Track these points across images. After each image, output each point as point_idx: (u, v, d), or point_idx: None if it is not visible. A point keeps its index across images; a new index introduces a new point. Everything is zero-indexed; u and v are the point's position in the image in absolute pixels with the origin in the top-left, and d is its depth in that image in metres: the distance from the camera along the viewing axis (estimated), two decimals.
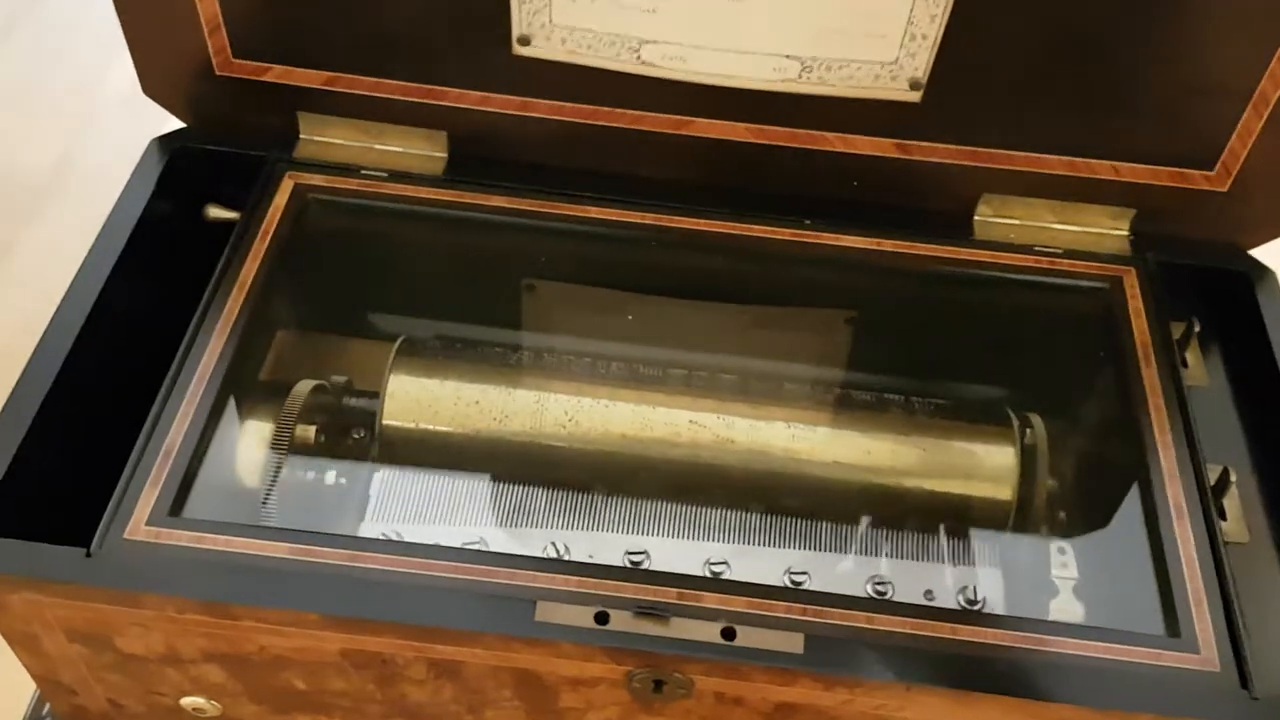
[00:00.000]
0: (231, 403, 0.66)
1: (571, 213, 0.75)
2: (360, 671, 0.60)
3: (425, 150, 0.77)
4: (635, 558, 0.68)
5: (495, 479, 0.73)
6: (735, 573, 0.68)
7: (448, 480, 0.72)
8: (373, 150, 0.77)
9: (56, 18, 1.49)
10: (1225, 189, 0.74)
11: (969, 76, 0.70)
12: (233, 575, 0.58)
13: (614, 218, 0.75)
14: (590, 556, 0.69)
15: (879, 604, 0.62)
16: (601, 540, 0.70)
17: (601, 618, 0.57)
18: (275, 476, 0.69)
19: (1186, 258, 0.76)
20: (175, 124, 0.79)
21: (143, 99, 0.78)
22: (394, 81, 0.75)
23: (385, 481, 0.72)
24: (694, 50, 0.69)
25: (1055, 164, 0.74)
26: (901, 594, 0.68)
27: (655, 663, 0.57)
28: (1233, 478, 0.66)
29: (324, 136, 0.78)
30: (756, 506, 0.72)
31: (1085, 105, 0.71)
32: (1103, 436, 0.72)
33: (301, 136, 0.78)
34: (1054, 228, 0.77)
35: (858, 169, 0.75)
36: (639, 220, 0.75)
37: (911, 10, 0.67)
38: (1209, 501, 0.63)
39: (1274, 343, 0.71)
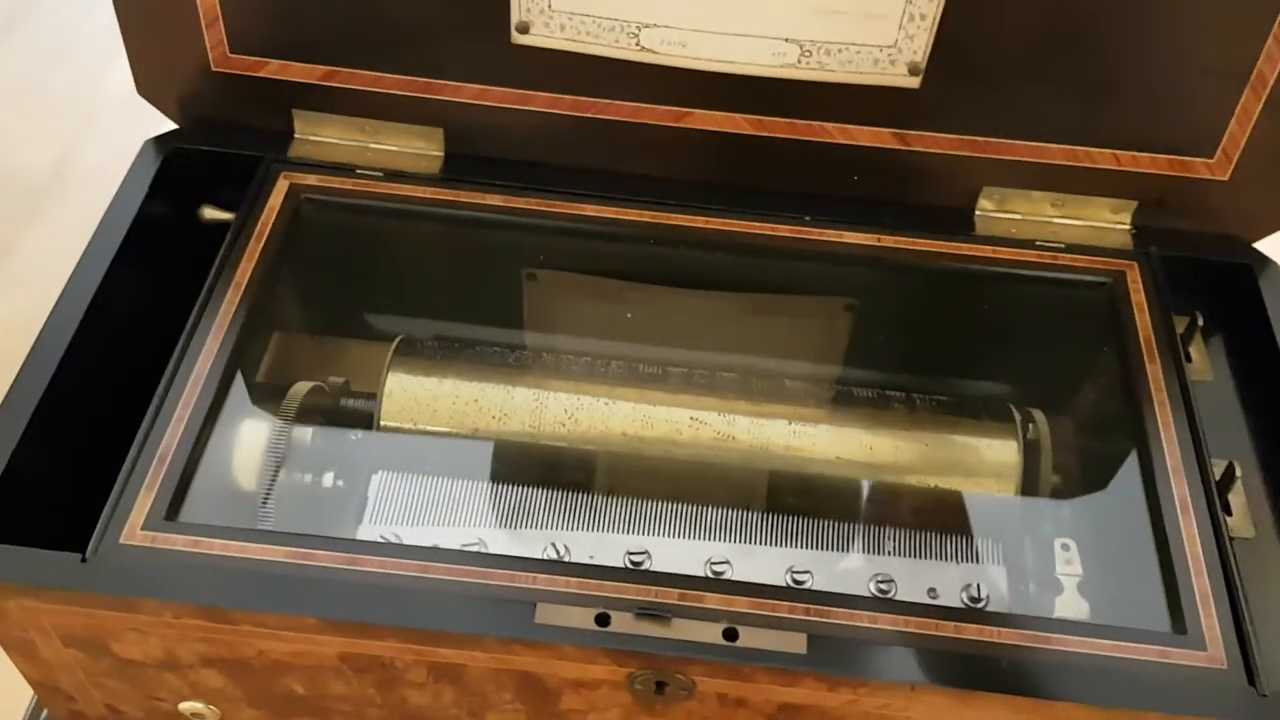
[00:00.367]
0: (228, 405, 0.66)
1: (569, 211, 0.75)
2: (360, 675, 0.60)
3: (421, 148, 0.77)
4: (636, 558, 0.67)
5: (494, 479, 0.72)
6: (737, 572, 0.67)
7: (446, 481, 0.72)
8: (368, 149, 0.77)
9: (55, 18, 1.49)
10: (1226, 177, 0.73)
11: (967, 61, 0.70)
12: (230, 579, 0.57)
13: (612, 215, 0.75)
14: (591, 557, 0.68)
15: (882, 603, 0.61)
16: (602, 541, 0.70)
17: (603, 619, 0.56)
18: (272, 479, 0.69)
19: (1189, 251, 0.75)
20: (173, 125, 0.79)
21: (142, 100, 0.77)
22: (391, 75, 0.74)
23: (383, 483, 0.72)
24: (693, 34, 0.69)
25: (1055, 153, 0.74)
26: (905, 592, 0.67)
27: (657, 664, 0.56)
28: (1238, 472, 0.66)
29: (319, 135, 0.77)
30: (758, 505, 0.72)
31: (1083, 90, 0.71)
32: (1106, 432, 0.72)
33: (297, 136, 0.77)
34: (1056, 222, 0.76)
35: (857, 161, 0.74)
36: (637, 218, 0.75)
37: None
38: (1214, 497, 0.63)
39: (1278, 336, 0.71)
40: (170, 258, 0.73)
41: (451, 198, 0.75)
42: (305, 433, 0.71)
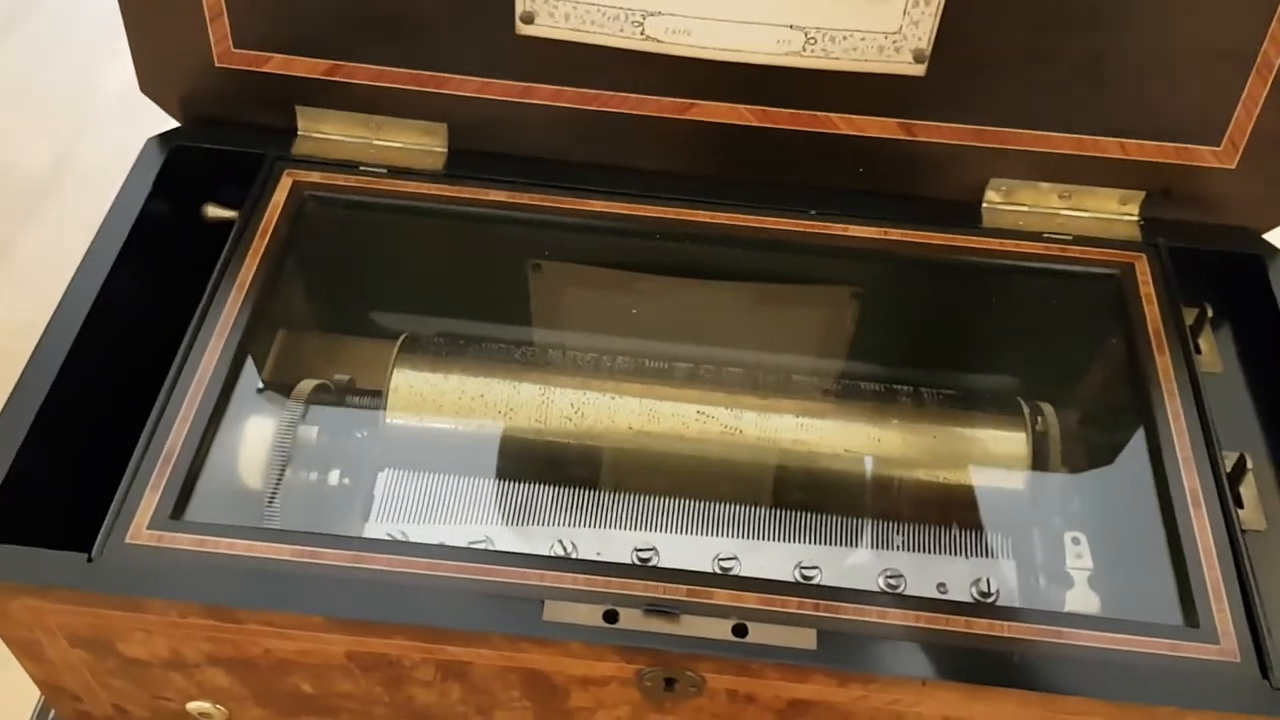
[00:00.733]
0: (233, 403, 0.65)
1: (573, 206, 0.75)
2: (367, 674, 0.60)
3: (425, 144, 0.77)
4: (644, 554, 0.67)
5: (501, 475, 0.72)
6: (745, 568, 0.67)
7: (453, 478, 0.72)
8: (372, 146, 0.77)
9: (54, 17, 1.48)
10: (1233, 166, 0.73)
11: (972, 48, 0.70)
12: (236, 579, 0.57)
13: (616, 210, 0.75)
14: (598, 554, 0.68)
15: (892, 598, 0.61)
16: (609, 537, 0.69)
17: (611, 616, 0.56)
18: (278, 478, 0.69)
19: (1198, 242, 0.75)
20: (174, 123, 0.78)
21: (141, 98, 0.77)
22: (395, 69, 0.74)
23: (389, 480, 0.71)
24: (698, 22, 0.69)
25: (1061, 142, 0.73)
26: (914, 587, 0.67)
27: (666, 661, 0.56)
28: (1249, 464, 0.65)
29: (322, 132, 0.77)
30: (765, 500, 0.72)
31: (1088, 76, 0.70)
32: (1116, 425, 0.72)
33: (300, 133, 0.77)
34: (1063, 214, 0.76)
35: (863, 152, 0.74)
36: (642, 213, 0.75)
37: None
38: (1225, 489, 0.63)
39: None
40: (173, 256, 0.73)
41: (456, 194, 0.75)
42: (311, 431, 0.71)
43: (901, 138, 0.74)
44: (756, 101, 0.73)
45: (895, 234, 0.74)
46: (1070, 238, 0.75)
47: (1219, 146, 0.73)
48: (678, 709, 0.59)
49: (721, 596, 0.57)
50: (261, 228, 0.72)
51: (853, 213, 0.75)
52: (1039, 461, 0.71)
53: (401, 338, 0.74)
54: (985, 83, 0.71)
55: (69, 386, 0.64)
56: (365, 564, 0.58)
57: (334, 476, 0.72)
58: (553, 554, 0.67)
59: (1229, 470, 0.64)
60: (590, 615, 0.56)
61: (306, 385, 0.72)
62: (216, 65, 0.74)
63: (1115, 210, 0.76)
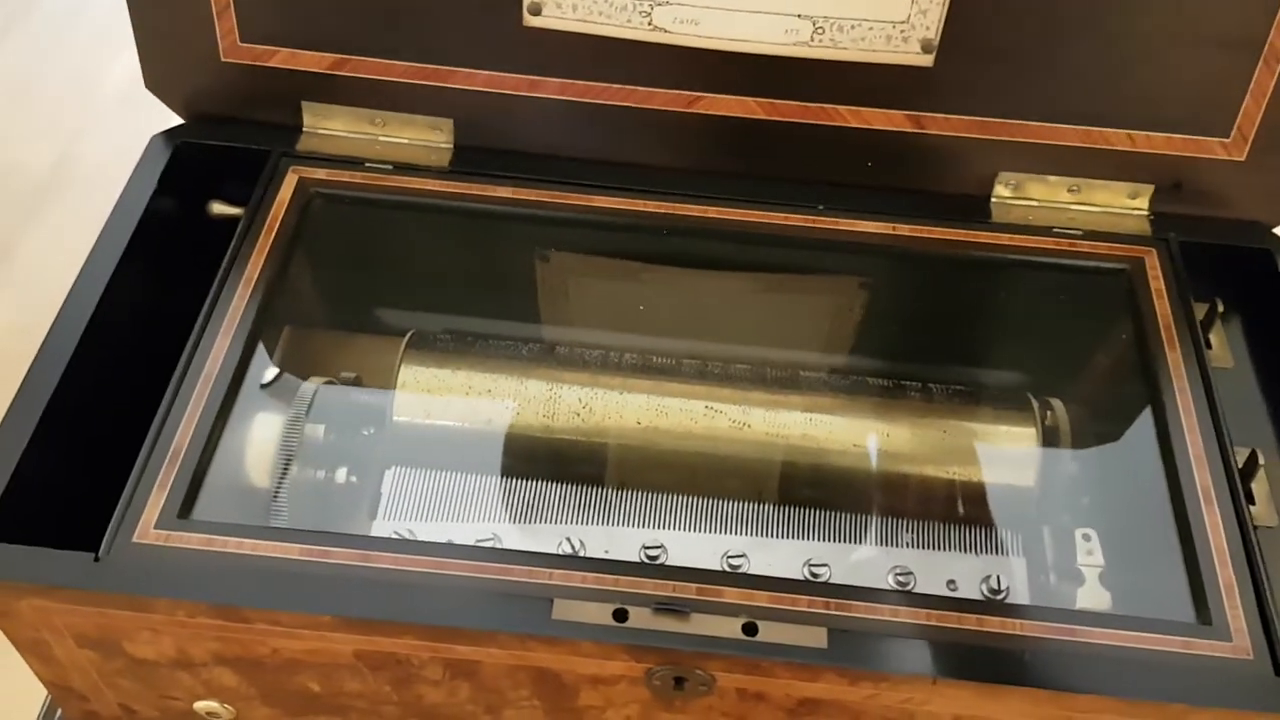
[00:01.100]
0: (239, 402, 0.65)
1: (580, 202, 0.74)
2: (375, 673, 0.60)
3: (431, 140, 0.76)
4: (652, 552, 0.67)
5: (508, 473, 0.72)
6: (754, 565, 0.67)
7: (460, 475, 0.71)
8: (377, 142, 0.77)
9: (56, 15, 1.48)
10: (1243, 158, 0.73)
11: (980, 38, 0.69)
12: (244, 578, 0.57)
13: (623, 207, 0.74)
14: (606, 551, 0.68)
15: (903, 596, 0.61)
16: (617, 534, 0.69)
17: (620, 615, 0.56)
18: (285, 476, 0.68)
19: (1209, 237, 0.75)
20: (178, 120, 0.78)
21: (143, 96, 0.77)
22: (401, 63, 0.74)
23: (396, 478, 0.71)
24: (705, 12, 0.69)
25: (1070, 134, 0.73)
26: (924, 584, 0.67)
27: (676, 660, 0.56)
28: (1261, 460, 0.65)
29: (328, 128, 0.77)
30: (773, 497, 0.71)
31: (1095, 65, 0.70)
32: (1126, 420, 0.71)
33: (305, 129, 0.77)
34: (1072, 208, 0.75)
35: (871, 146, 0.74)
36: (649, 209, 0.74)
37: None
38: (1237, 485, 0.62)
39: None
40: (178, 254, 0.73)
41: (462, 190, 0.75)
42: (317, 429, 0.71)
43: (910, 130, 0.74)
44: (764, 94, 0.73)
45: (904, 229, 0.74)
46: (1080, 232, 0.74)
47: (1228, 138, 0.72)
48: (687, 707, 0.59)
49: (731, 595, 0.57)
50: (267, 225, 0.71)
51: (861, 208, 0.74)
52: (1049, 457, 0.71)
53: (408, 334, 0.74)
54: (993, 73, 0.71)
55: (75, 386, 0.64)
56: (373, 563, 0.57)
57: (341, 475, 0.71)
58: (561, 552, 0.67)
59: (1240, 466, 0.64)
60: (599, 614, 0.56)
61: (313, 383, 0.72)
62: (223, 60, 0.74)
63: (1125, 205, 0.75)
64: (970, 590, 0.67)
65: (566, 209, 0.74)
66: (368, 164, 0.75)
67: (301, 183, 0.74)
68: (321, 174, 0.75)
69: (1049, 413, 0.72)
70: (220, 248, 0.70)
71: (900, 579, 0.67)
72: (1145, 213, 0.75)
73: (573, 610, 0.56)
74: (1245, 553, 0.60)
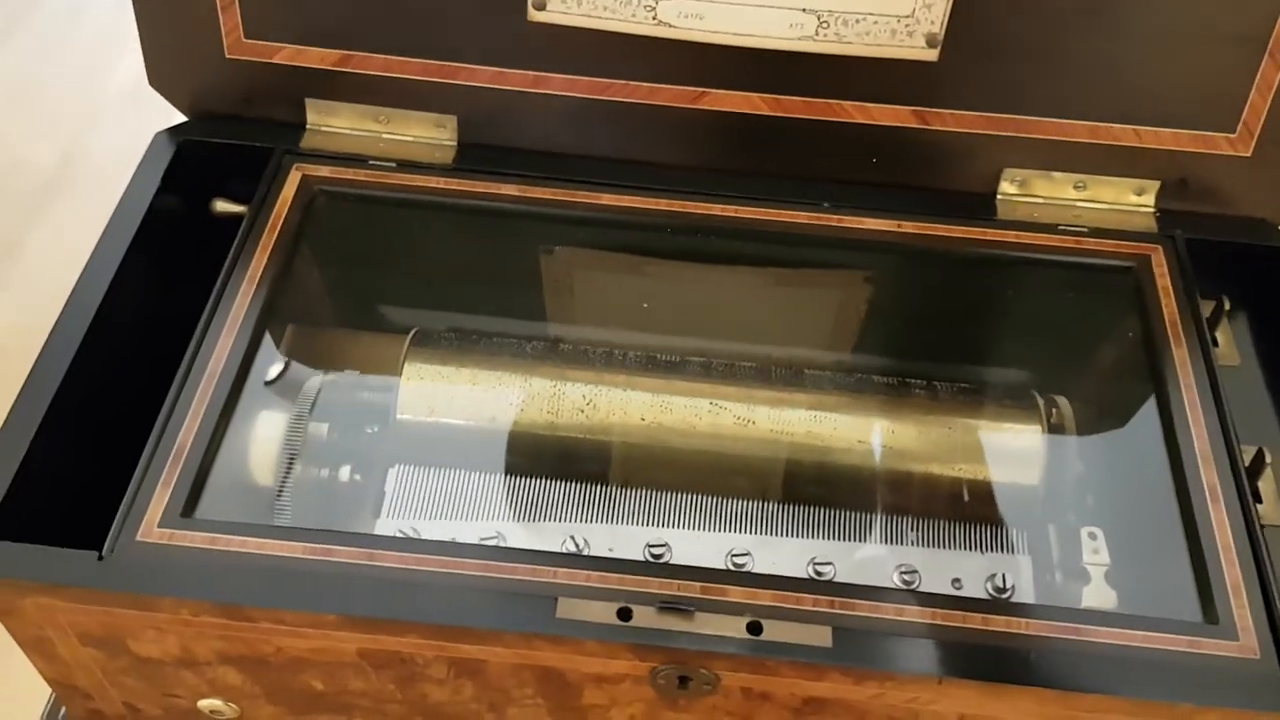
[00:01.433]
0: (243, 400, 0.65)
1: (584, 200, 0.74)
2: (380, 672, 0.59)
3: (434, 138, 0.76)
4: (656, 550, 0.67)
5: (512, 470, 0.72)
6: (758, 564, 0.67)
7: (464, 474, 0.71)
8: (381, 139, 0.76)
9: (59, 13, 1.48)
10: (1249, 154, 0.72)
11: (985, 32, 0.69)
12: (248, 576, 0.57)
13: (628, 204, 0.74)
14: (610, 549, 0.67)
15: (908, 595, 0.61)
16: (621, 532, 0.69)
17: (624, 614, 0.56)
18: (288, 474, 0.68)
19: (1215, 234, 0.74)
20: (182, 118, 0.78)
21: (147, 94, 0.77)
22: (405, 59, 0.74)
23: (400, 476, 0.71)
24: (710, 6, 0.69)
25: (1076, 130, 0.73)
26: (929, 583, 0.67)
27: (680, 659, 0.56)
28: (1268, 459, 0.65)
29: (331, 126, 0.77)
30: (777, 495, 0.71)
31: (1101, 61, 0.70)
32: (1132, 418, 0.71)
33: (309, 126, 0.77)
34: (1078, 205, 0.75)
35: (876, 142, 0.74)
36: (654, 206, 0.74)
37: None
38: (1244, 483, 0.62)
39: None
40: (182, 251, 0.73)
41: (466, 188, 0.75)
42: (321, 427, 0.71)
43: (915, 126, 0.73)
44: (769, 89, 0.73)
45: (909, 226, 0.74)
46: (1086, 229, 0.74)
47: (1234, 133, 0.72)
48: (692, 707, 0.59)
49: (736, 594, 0.57)
50: (271, 222, 0.71)
51: (867, 205, 0.74)
52: (1054, 455, 0.70)
53: (412, 332, 0.74)
54: (998, 68, 0.71)
55: (78, 384, 0.64)
56: (377, 561, 0.57)
57: (345, 473, 0.71)
58: (565, 550, 0.67)
59: (1247, 465, 0.64)
60: (604, 613, 0.56)
61: (317, 381, 0.72)
62: (227, 57, 0.74)
63: (1131, 202, 0.75)
64: (975, 589, 0.67)
65: (570, 205, 0.74)
66: (371, 161, 0.75)
67: (305, 180, 0.74)
68: (325, 171, 0.75)
69: (1054, 410, 0.72)
70: (224, 245, 0.70)
71: (905, 578, 0.67)
72: (1151, 209, 0.75)
73: (577, 609, 0.56)
74: (1252, 551, 0.59)
